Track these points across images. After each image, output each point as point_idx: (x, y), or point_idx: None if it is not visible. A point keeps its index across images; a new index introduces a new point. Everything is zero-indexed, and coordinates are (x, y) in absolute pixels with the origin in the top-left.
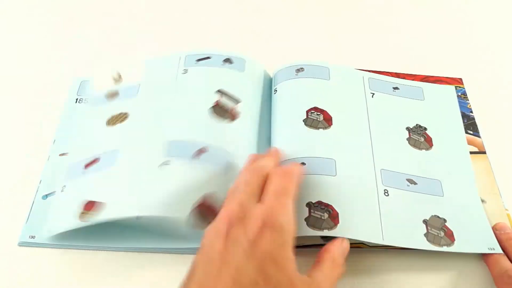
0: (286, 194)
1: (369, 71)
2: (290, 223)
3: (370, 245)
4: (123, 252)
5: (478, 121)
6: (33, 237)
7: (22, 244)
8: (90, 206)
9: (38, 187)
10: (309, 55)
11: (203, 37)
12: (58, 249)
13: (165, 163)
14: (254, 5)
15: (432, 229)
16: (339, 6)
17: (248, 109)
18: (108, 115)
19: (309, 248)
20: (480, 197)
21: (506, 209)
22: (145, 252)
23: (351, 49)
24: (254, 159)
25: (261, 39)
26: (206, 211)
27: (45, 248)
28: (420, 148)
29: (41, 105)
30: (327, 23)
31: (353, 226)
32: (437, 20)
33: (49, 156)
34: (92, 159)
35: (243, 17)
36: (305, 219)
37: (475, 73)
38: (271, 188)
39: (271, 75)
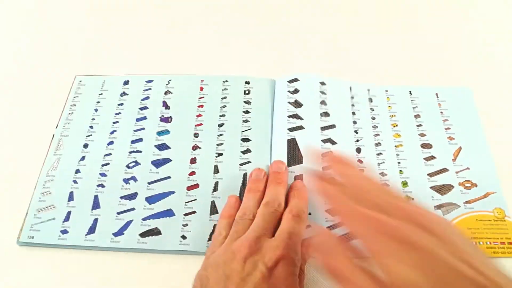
0: (298, 235)
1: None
2: (299, 258)
3: None
4: (122, 252)
5: (485, 130)
6: (31, 237)
7: (22, 244)
8: None
9: (35, 187)
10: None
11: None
12: (57, 249)
13: None
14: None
15: None
16: (343, 19)
17: None
18: None
19: None
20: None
21: (508, 216)
22: (144, 252)
23: (357, 62)
24: (256, 180)
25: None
26: None
27: (45, 248)
28: None
29: (41, 105)
30: (334, 35)
31: None
32: (445, 30)
33: (47, 155)
34: None
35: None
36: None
37: (484, 83)
38: (285, 228)
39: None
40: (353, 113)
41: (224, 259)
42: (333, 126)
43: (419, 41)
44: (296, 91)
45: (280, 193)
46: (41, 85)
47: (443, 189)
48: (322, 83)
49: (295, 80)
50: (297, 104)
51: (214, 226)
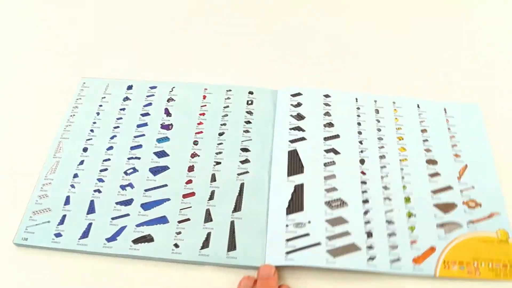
0: None
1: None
2: None
3: None
4: (113, 258)
5: (493, 149)
6: (25, 239)
7: (16, 245)
8: None
9: (34, 189)
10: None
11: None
12: (51, 252)
13: None
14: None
15: None
16: (350, 29)
17: None
18: None
19: None
20: None
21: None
22: (135, 259)
23: (363, 73)
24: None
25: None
26: None
27: (40, 250)
28: None
29: (44, 105)
30: (341, 44)
31: None
32: (456, 44)
33: (47, 157)
34: None
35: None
36: None
37: (493, 100)
38: None
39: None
40: (359, 124)
41: None
42: (337, 136)
43: (429, 55)
44: (299, 104)
45: None
46: (46, 86)
47: (446, 207)
48: (327, 96)
49: (298, 94)
50: (299, 117)
51: (208, 234)
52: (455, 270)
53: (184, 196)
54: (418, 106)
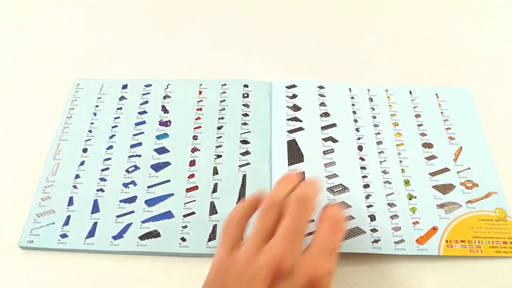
0: (334, 252)
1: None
2: (331, 285)
3: None
4: (121, 255)
5: (485, 130)
6: (31, 241)
7: (21, 248)
8: None
9: (36, 192)
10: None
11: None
12: (57, 253)
13: None
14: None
15: None
16: (342, 20)
17: None
18: None
19: None
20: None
21: (509, 216)
22: (143, 255)
23: (356, 63)
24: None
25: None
26: None
27: (46, 252)
28: None
29: (40, 108)
30: (333, 35)
31: None
32: (444, 30)
33: (47, 159)
34: None
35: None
36: None
37: (483, 83)
38: (319, 241)
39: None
40: (354, 112)
41: (249, 279)
42: (333, 125)
43: (417, 42)
44: (294, 96)
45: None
46: (39, 89)
47: (445, 189)
48: (321, 87)
49: (293, 86)
50: (295, 108)
51: (214, 226)
52: (457, 248)
53: (188, 190)
54: (410, 93)
